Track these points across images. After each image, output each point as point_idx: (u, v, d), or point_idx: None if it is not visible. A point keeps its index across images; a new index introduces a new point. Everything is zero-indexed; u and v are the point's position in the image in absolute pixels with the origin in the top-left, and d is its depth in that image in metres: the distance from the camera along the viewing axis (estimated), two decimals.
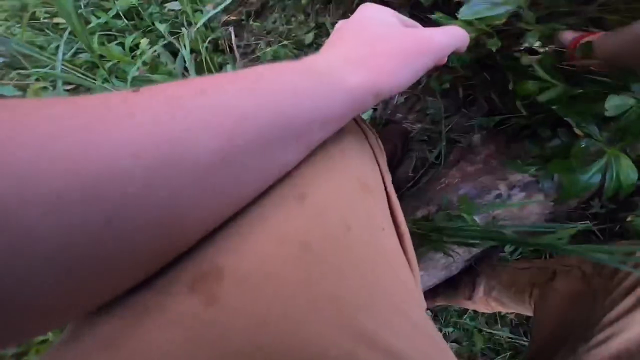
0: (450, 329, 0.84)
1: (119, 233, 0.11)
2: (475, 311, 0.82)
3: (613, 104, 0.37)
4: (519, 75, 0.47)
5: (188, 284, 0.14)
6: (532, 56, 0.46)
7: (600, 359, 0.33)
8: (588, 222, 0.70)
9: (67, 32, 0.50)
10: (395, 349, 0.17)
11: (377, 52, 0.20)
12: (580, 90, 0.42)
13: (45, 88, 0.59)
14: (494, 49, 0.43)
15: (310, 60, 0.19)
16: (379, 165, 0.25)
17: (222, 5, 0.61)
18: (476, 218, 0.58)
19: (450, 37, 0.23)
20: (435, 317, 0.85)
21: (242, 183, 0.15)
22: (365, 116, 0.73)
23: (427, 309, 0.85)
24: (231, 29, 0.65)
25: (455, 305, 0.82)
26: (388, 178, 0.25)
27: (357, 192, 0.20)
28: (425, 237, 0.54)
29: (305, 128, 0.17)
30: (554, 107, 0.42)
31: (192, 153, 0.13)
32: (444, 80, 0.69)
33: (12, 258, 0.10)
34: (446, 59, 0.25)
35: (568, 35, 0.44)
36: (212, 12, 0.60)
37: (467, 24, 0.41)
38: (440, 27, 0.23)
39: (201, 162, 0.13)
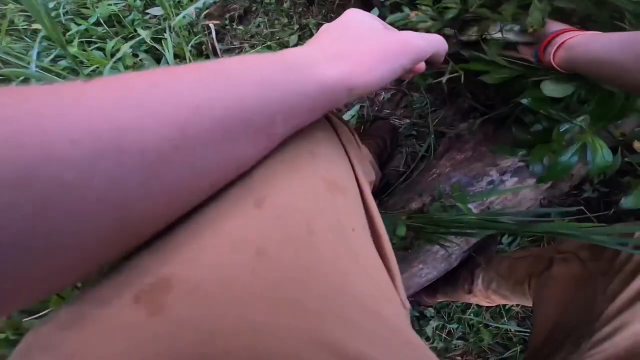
0: (455, 325, 0.82)
1: (54, 219, 0.11)
2: (478, 305, 0.81)
3: (549, 88, 0.41)
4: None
5: (133, 295, 0.14)
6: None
7: (606, 356, 0.31)
8: (582, 207, 0.71)
9: (41, 34, 0.49)
10: (368, 356, 0.15)
11: (356, 49, 0.20)
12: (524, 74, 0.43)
13: None
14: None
15: (288, 52, 0.19)
16: (351, 162, 0.24)
17: (203, 8, 0.61)
18: (471, 207, 0.57)
19: (428, 42, 0.24)
20: (438, 314, 0.83)
21: (197, 174, 0.15)
22: (352, 111, 0.73)
23: (429, 306, 0.83)
24: (214, 33, 0.65)
25: (457, 301, 0.80)
26: (362, 175, 0.24)
27: (323, 193, 0.19)
28: (421, 230, 0.53)
29: (268, 121, 0.16)
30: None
31: (138, 142, 0.12)
32: (427, 75, 0.70)
33: None
34: (424, 65, 0.26)
35: (552, 27, 0.43)
36: (193, 14, 0.60)
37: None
38: (420, 33, 0.24)
39: (149, 152, 0.13)
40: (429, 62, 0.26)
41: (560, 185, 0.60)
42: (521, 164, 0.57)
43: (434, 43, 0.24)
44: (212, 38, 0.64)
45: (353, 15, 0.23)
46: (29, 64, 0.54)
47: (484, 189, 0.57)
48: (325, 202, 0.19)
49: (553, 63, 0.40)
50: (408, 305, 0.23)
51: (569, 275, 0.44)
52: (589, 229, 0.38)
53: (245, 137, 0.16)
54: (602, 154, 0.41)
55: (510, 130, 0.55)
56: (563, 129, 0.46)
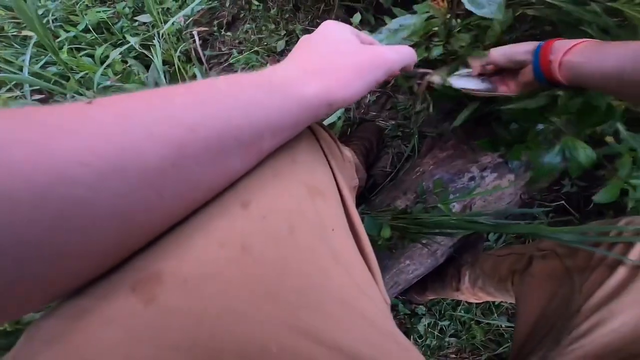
0: (447, 322, 0.82)
1: (68, 231, 0.12)
2: (469, 302, 0.82)
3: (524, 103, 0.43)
4: None
5: (128, 287, 0.15)
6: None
7: (584, 352, 0.32)
8: (563, 202, 0.73)
9: (33, 40, 0.50)
10: (344, 344, 0.17)
11: (334, 65, 0.22)
12: None
13: (16, 97, 0.58)
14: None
15: (269, 72, 0.21)
16: (332, 169, 0.26)
17: (188, 10, 0.62)
18: (454, 203, 0.59)
19: (400, 54, 0.25)
20: (429, 311, 0.84)
21: (192, 188, 0.16)
22: (338, 113, 0.75)
23: (420, 303, 0.84)
24: (197, 41, 0.66)
25: (447, 298, 0.81)
26: (342, 181, 0.26)
27: (304, 196, 0.21)
28: (406, 230, 0.55)
29: (256, 137, 0.18)
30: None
31: (140, 161, 0.14)
32: (409, 78, 0.73)
33: None
34: (398, 72, 0.28)
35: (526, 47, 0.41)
36: (181, 21, 0.61)
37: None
38: (392, 46, 0.26)
39: (150, 170, 0.14)
40: (400, 70, 0.27)
41: (538, 182, 0.62)
42: (500, 160, 0.59)
43: (405, 56, 0.26)
44: (197, 46, 0.66)
45: (331, 29, 0.25)
46: (20, 69, 0.55)
47: (466, 184, 0.59)
48: (306, 204, 0.20)
49: (558, 76, 0.37)
50: (388, 300, 0.24)
51: (548, 272, 0.45)
52: (561, 228, 0.40)
53: (235, 153, 0.17)
54: (585, 155, 0.43)
55: (489, 128, 0.58)
56: (539, 129, 0.48)
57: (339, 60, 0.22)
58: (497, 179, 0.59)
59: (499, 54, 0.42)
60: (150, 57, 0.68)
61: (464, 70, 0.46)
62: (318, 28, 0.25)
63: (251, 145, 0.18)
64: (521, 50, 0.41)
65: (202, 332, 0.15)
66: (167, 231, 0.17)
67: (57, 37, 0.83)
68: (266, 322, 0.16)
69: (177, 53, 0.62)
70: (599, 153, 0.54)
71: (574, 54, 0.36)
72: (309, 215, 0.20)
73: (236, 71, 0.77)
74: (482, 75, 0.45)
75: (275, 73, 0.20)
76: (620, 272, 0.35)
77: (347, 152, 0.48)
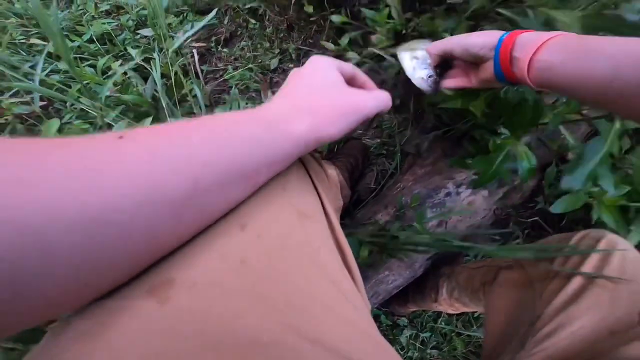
0: (428, 334, 0.84)
1: (112, 250, 0.15)
2: (449, 314, 0.84)
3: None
4: None
5: (146, 290, 0.18)
6: None
7: (547, 355, 0.34)
8: (537, 218, 0.76)
9: (46, 50, 0.54)
10: (326, 340, 0.20)
11: (322, 104, 0.25)
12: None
13: (22, 103, 0.61)
14: None
15: (264, 110, 0.24)
16: (318, 193, 0.30)
17: (192, 32, 0.67)
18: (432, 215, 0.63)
19: (378, 101, 0.29)
20: (411, 323, 0.86)
21: (204, 217, 0.20)
22: None
23: (402, 315, 0.86)
24: (196, 57, 0.71)
25: (429, 310, 0.83)
26: (328, 204, 0.30)
27: (294, 219, 0.24)
28: (384, 246, 0.58)
29: (255, 171, 0.22)
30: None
31: (166, 193, 0.17)
32: (394, 97, 0.77)
33: (40, 261, 0.13)
34: (373, 115, 0.30)
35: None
36: (182, 38, 0.65)
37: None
38: (372, 93, 0.29)
39: (173, 200, 0.17)
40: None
41: (511, 196, 0.66)
42: (474, 176, 0.62)
43: (382, 103, 0.29)
44: (195, 62, 0.70)
45: (318, 66, 0.28)
46: (25, 76, 0.58)
47: (442, 199, 0.63)
48: (295, 226, 0.24)
49: (526, 78, 0.31)
50: (369, 305, 0.28)
51: (513, 281, 0.48)
52: (521, 246, 0.43)
53: (237, 184, 0.21)
54: (527, 159, 0.45)
55: (464, 147, 0.62)
56: (499, 141, 0.51)
57: (326, 101, 0.25)
58: (471, 194, 0.63)
59: (455, 43, 0.37)
60: (149, 70, 0.72)
61: (419, 52, 0.40)
62: (306, 63, 0.28)
63: (250, 178, 0.21)
64: (478, 42, 0.35)
65: (208, 326, 0.17)
66: (178, 247, 0.20)
67: None
68: (259, 319, 0.19)
69: (175, 68, 0.65)
70: (560, 168, 0.58)
71: (550, 52, 0.29)
72: (298, 235, 0.24)
73: (230, 87, 0.80)
74: (441, 66, 0.40)
75: (270, 111, 0.24)
76: (576, 281, 0.38)
77: (333, 173, 0.52)
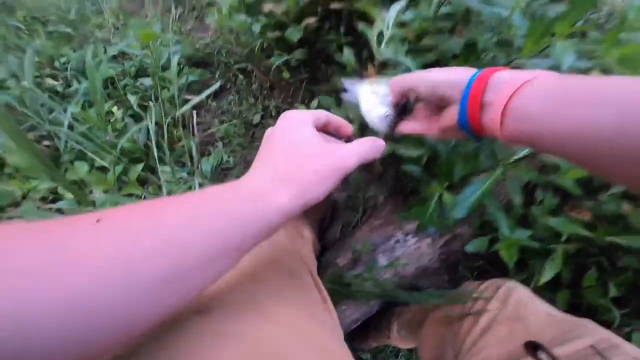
0: None
1: (98, 329, 0.16)
2: (409, 349, 0.90)
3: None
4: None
5: None
6: None
7: None
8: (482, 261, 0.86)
9: (79, 94, 0.63)
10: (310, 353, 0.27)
11: (303, 170, 0.25)
12: None
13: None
14: None
15: (246, 183, 0.24)
16: (300, 253, 0.40)
17: (185, 84, 0.77)
18: (383, 259, 0.72)
19: (359, 158, 0.27)
20: (374, 358, 0.91)
21: (185, 297, 0.19)
22: None
23: (365, 351, 0.92)
24: (194, 112, 0.81)
25: (390, 346, 0.90)
26: (309, 261, 0.40)
27: (286, 279, 0.32)
28: (339, 290, 0.68)
29: (240, 243, 0.21)
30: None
31: (145, 282, 0.17)
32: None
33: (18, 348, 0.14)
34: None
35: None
36: (176, 91, 0.76)
37: None
38: (353, 147, 0.27)
39: (153, 288, 0.17)
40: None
41: (452, 244, 0.76)
42: None
43: (367, 155, 0.28)
44: (191, 113, 0.80)
45: (291, 123, 0.27)
46: (35, 113, 0.67)
47: (392, 246, 0.72)
48: (288, 284, 0.32)
49: (497, 129, 0.25)
50: (341, 332, 0.37)
51: (437, 320, 0.57)
52: (438, 292, 0.54)
53: (221, 257, 0.20)
54: (454, 207, 0.49)
55: (413, 201, 0.72)
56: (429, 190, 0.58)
57: (307, 166, 0.25)
58: (417, 242, 0.73)
59: (421, 79, 0.30)
60: (144, 117, 0.82)
61: (381, 87, 0.35)
62: (279, 120, 0.28)
63: (235, 249, 0.21)
64: (447, 79, 0.29)
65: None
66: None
67: (69, 86, 0.96)
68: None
69: (169, 119, 0.76)
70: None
71: (531, 97, 0.23)
72: (286, 293, 0.31)
73: (216, 140, 0.91)
74: (402, 106, 0.34)
75: (250, 184, 0.24)
76: (484, 320, 0.47)
77: (307, 235, 0.62)
